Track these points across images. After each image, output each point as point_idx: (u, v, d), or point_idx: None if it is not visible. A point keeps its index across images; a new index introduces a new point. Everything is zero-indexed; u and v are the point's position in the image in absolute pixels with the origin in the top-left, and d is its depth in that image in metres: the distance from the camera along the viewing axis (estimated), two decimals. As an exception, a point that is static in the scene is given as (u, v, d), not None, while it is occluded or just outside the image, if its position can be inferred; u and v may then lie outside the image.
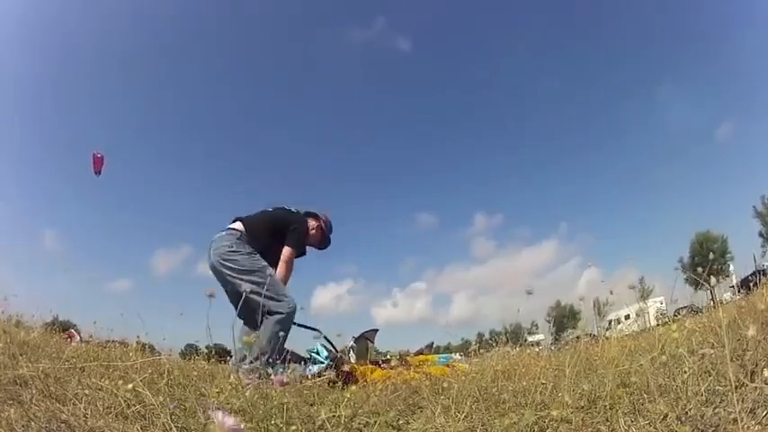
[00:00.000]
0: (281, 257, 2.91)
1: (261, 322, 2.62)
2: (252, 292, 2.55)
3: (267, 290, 2.60)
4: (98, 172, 6.22)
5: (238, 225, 2.93)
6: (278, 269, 2.87)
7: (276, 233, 2.94)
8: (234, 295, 2.71)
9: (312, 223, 3.23)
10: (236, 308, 2.68)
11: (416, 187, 72.03)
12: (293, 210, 3.21)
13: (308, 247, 3.25)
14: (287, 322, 2.70)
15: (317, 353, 3.64)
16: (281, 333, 2.63)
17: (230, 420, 0.50)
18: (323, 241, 3.36)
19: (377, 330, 4.23)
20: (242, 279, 2.69)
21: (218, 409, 0.52)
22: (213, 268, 2.83)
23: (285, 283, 2.90)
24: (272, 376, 1.41)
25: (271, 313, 2.64)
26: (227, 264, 2.74)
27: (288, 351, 3.52)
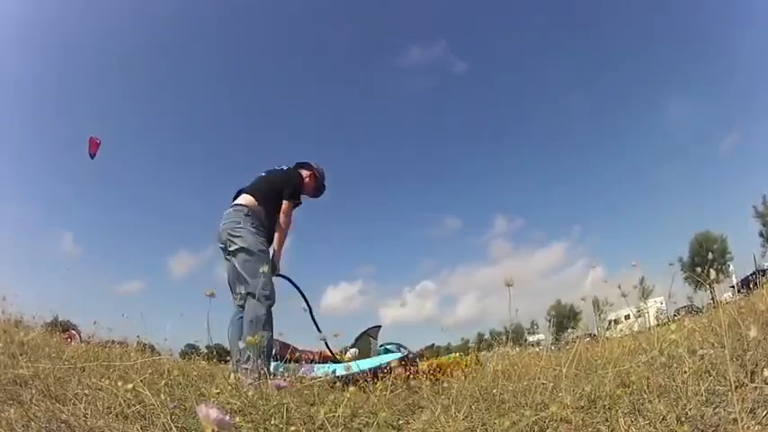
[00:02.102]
0: (281, 211, 3.10)
1: (243, 301, 2.80)
2: (242, 265, 2.83)
3: (255, 273, 2.72)
4: (93, 155, 6.26)
5: (243, 199, 3.08)
6: (278, 221, 3.06)
7: (276, 195, 3.13)
8: (233, 268, 2.92)
9: (305, 172, 3.41)
10: (230, 285, 2.92)
11: (447, 191, 72.87)
12: (285, 167, 3.40)
13: (303, 197, 3.40)
14: (267, 319, 2.80)
15: (386, 350, 3.59)
16: (266, 333, 2.69)
17: (214, 412, 0.49)
18: (317, 188, 3.53)
19: (379, 327, 4.20)
20: (241, 256, 2.86)
21: (206, 404, 0.51)
22: (221, 242, 2.99)
23: (285, 237, 3.09)
24: (270, 378, 1.41)
25: (250, 297, 2.77)
26: (232, 239, 2.91)
27: (290, 348, 3.52)
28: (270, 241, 3.04)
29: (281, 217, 3.08)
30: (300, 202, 3.33)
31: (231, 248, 2.90)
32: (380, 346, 3.82)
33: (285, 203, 3.11)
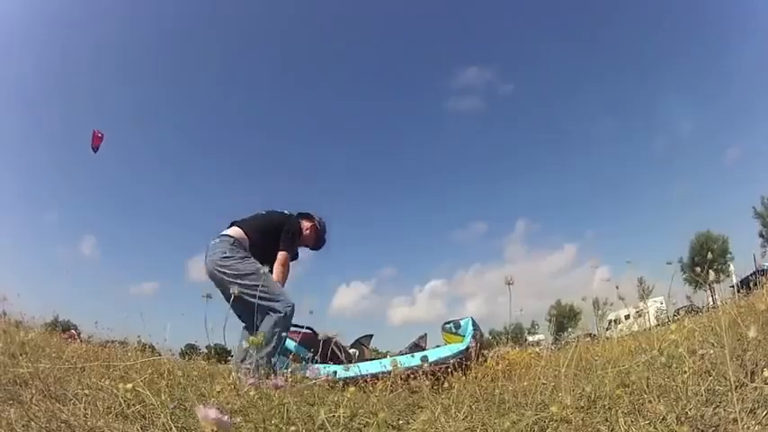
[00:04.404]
0: (276, 261, 2.95)
1: (258, 322, 2.67)
2: (243, 293, 2.52)
3: (262, 290, 2.61)
4: (96, 148, 6.28)
5: (232, 231, 2.96)
6: (274, 273, 2.91)
7: (269, 236, 2.99)
8: (231, 298, 2.76)
9: (306, 224, 3.28)
10: (236, 313, 2.75)
11: (476, 198, 75.13)
12: (286, 212, 3.26)
13: (302, 248, 3.31)
14: (285, 321, 2.73)
15: (457, 329, 3.32)
16: (282, 333, 2.64)
17: (213, 413, 0.50)
18: (317, 241, 3.41)
19: (371, 336, 4.19)
20: (236, 282, 2.67)
21: (206, 405, 0.51)
22: (210, 275, 2.86)
23: (282, 286, 2.92)
24: (271, 378, 1.41)
25: (268, 313, 2.67)
26: (221, 270, 2.77)
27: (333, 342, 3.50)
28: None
29: (277, 269, 2.92)
30: (297, 256, 3.19)
31: (224, 281, 2.71)
32: (447, 323, 3.43)
33: (282, 254, 2.96)
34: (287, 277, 2.98)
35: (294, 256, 3.15)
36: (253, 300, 2.54)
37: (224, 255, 2.79)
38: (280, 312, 2.68)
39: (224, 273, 2.75)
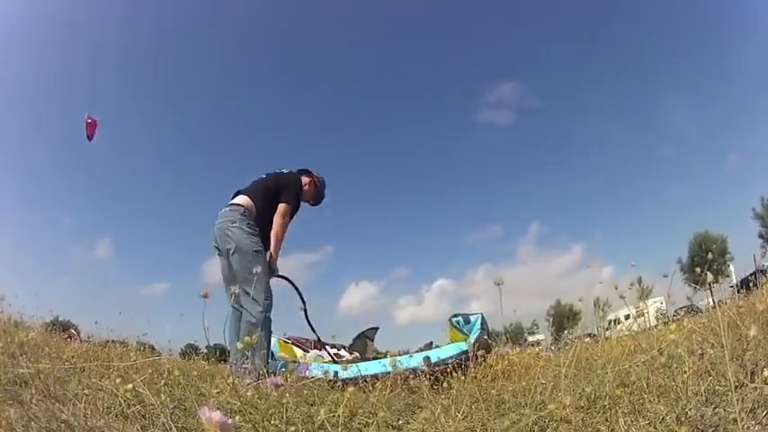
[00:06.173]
0: (277, 212, 3.02)
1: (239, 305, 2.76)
2: (238, 266, 2.79)
3: (249, 280, 2.63)
4: (90, 136, 6.16)
5: (239, 199, 3.03)
6: (273, 223, 2.99)
7: (273, 199, 3.07)
8: (228, 269, 2.90)
9: (305, 179, 3.35)
10: (225, 283, 2.92)
11: (495, 201, 74.55)
12: (285, 170, 3.33)
13: (302, 204, 3.35)
14: (266, 321, 2.76)
15: (465, 324, 3.19)
16: (262, 333, 2.66)
17: (217, 415, 0.49)
18: (316, 196, 3.48)
19: (377, 329, 4.15)
20: (236, 257, 2.84)
21: (207, 406, 0.51)
22: (216, 242, 2.97)
23: (281, 239, 3.01)
24: (269, 378, 1.41)
25: (245, 306, 2.73)
26: (227, 238, 2.88)
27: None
28: (264, 242, 2.97)
29: (277, 219, 3.01)
30: (298, 209, 3.25)
31: (226, 247, 2.87)
32: (454, 317, 3.29)
33: (283, 206, 3.05)
34: (286, 229, 3.05)
35: (295, 208, 3.20)
36: (242, 275, 2.73)
37: (233, 224, 2.89)
38: (260, 309, 2.71)
39: (228, 241, 2.86)
